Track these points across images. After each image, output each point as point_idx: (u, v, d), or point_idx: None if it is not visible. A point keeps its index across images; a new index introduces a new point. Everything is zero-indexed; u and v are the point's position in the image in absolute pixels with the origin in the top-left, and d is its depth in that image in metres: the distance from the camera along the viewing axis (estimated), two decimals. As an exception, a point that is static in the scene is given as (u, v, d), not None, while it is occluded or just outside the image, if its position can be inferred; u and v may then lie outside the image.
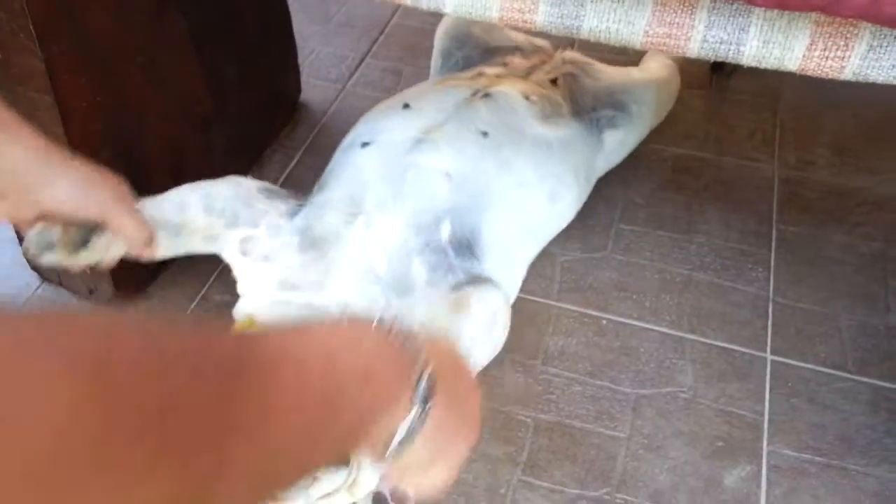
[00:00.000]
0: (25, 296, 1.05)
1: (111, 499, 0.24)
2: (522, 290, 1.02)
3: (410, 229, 0.84)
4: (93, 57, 0.86)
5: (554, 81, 1.08)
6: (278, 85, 1.25)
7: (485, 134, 0.93)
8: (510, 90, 1.01)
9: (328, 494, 0.77)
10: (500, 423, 0.89)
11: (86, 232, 0.70)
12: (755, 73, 0.76)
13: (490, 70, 1.08)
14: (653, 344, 0.96)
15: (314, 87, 1.33)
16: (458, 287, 0.82)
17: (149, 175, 0.97)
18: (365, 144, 0.92)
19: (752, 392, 0.91)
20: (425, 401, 0.41)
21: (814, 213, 1.13)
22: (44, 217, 0.67)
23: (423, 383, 0.41)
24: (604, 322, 0.99)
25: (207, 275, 1.05)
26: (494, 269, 0.88)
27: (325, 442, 0.36)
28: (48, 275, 1.06)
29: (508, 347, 0.95)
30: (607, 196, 1.14)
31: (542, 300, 1.02)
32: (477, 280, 0.84)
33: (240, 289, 0.87)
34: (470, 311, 0.79)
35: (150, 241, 0.72)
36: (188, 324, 0.32)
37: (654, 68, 1.19)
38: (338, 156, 0.96)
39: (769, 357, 0.95)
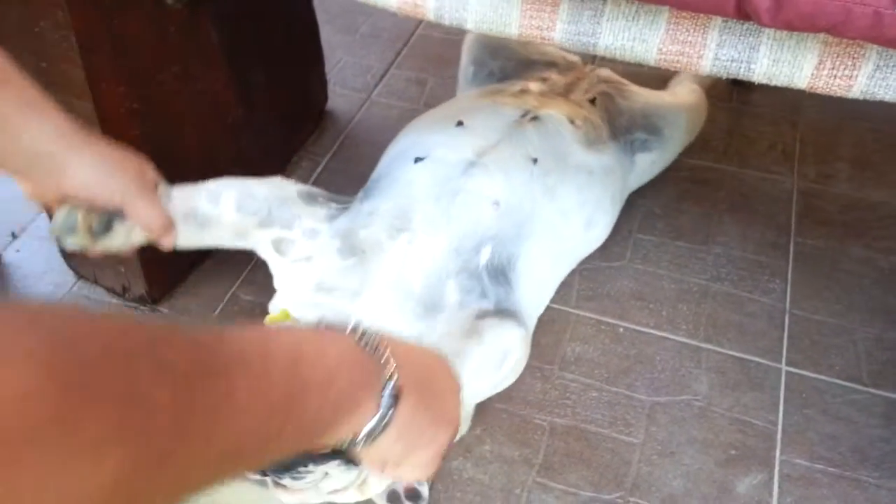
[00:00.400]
0: (61, 293, 1.10)
1: (61, 473, 0.25)
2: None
3: (451, 252, 0.86)
4: (130, 66, 0.90)
5: (592, 101, 1.10)
6: (305, 94, 1.29)
7: (534, 161, 0.94)
8: (556, 113, 1.02)
9: (338, 490, 0.79)
10: (517, 426, 0.91)
11: (108, 218, 0.70)
12: (776, 87, 0.77)
13: (533, 86, 1.10)
14: (669, 352, 0.98)
15: (340, 96, 1.37)
16: (482, 315, 0.83)
17: (182, 180, 1.01)
18: (419, 159, 0.93)
19: (766, 402, 0.93)
20: (391, 404, 0.44)
21: (832, 227, 1.14)
22: (65, 199, 0.67)
23: (389, 389, 0.44)
24: (621, 330, 1.01)
25: (236, 275, 1.08)
26: (524, 294, 0.90)
27: (282, 441, 0.38)
28: (84, 272, 1.10)
29: (525, 353, 0.98)
30: (627, 206, 1.15)
31: (560, 307, 1.04)
32: (502, 313, 0.85)
33: (276, 285, 0.90)
34: (482, 341, 0.80)
35: (167, 229, 0.72)
36: (163, 320, 0.34)
37: (684, 93, 1.21)
38: (386, 165, 0.98)
39: (784, 368, 0.96)
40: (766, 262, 1.09)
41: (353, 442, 0.44)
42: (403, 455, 0.48)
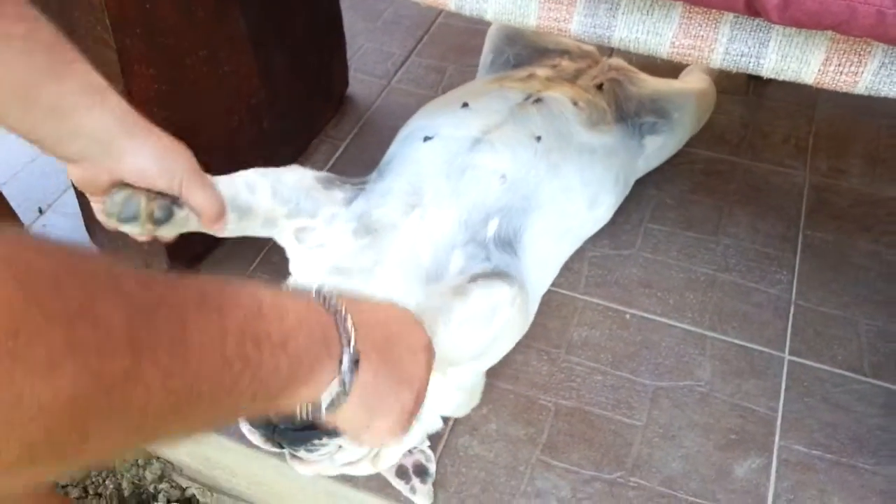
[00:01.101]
0: (87, 268, 1.14)
1: (17, 384, 0.26)
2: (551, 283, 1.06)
3: (461, 225, 0.89)
4: (160, 49, 0.93)
5: (600, 87, 1.12)
6: (327, 78, 1.32)
7: (538, 138, 0.98)
8: (560, 95, 1.05)
9: (352, 463, 0.82)
10: (523, 406, 0.94)
11: (169, 205, 0.70)
12: (791, 81, 0.79)
13: (541, 72, 1.13)
14: (674, 339, 1.00)
15: (361, 81, 1.40)
16: (475, 277, 0.85)
17: (206, 161, 1.04)
18: (427, 139, 0.97)
19: (768, 389, 0.95)
20: (351, 370, 0.45)
21: (842, 220, 1.15)
22: (116, 184, 0.67)
23: (349, 355, 0.45)
24: (627, 316, 1.03)
25: (253, 257, 1.12)
26: (528, 265, 0.93)
27: (239, 394, 0.38)
28: (109, 248, 1.14)
29: (534, 336, 1.00)
30: (639, 196, 1.18)
31: (568, 293, 1.06)
32: (497, 274, 0.87)
33: (292, 269, 0.93)
34: (468, 295, 0.82)
35: (221, 215, 0.73)
36: (130, 263, 0.35)
37: (693, 81, 1.23)
38: (397, 146, 1.01)
39: (787, 357, 0.98)
40: (774, 254, 1.11)
41: (315, 408, 0.45)
42: (368, 420, 0.49)
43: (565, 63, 1.16)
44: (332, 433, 0.74)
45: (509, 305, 0.85)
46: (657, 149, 1.14)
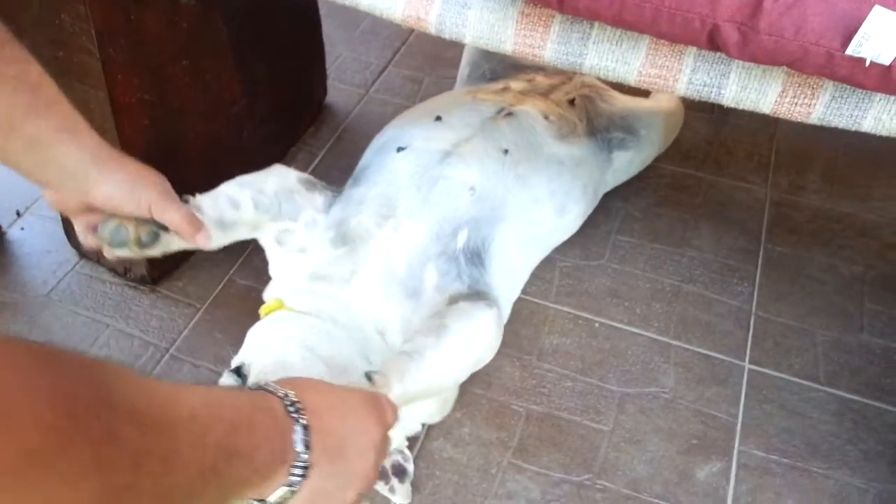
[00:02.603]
0: (64, 271, 1.15)
1: (50, 496, 0.32)
2: (523, 291, 1.10)
3: (432, 237, 0.92)
4: (144, 59, 0.95)
5: (572, 102, 1.16)
6: (306, 87, 1.34)
7: (506, 151, 1.01)
8: (531, 109, 1.09)
9: None
10: (495, 411, 0.97)
11: (155, 230, 0.78)
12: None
13: (515, 85, 1.16)
14: (640, 347, 1.05)
15: (339, 90, 1.42)
16: (455, 300, 0.88)
17: (187, 168, 1.06)
18: (400, 149, 1.00)
19: (729, 396, 0.99)
20: (302, 476, 0.50)
21: (801, 235, 1.21)
22: (89, 207, 0.74)
23: (300, 467, 0.50)
24: (596, 325, 1.07)
25: (233, 260, 1.14)
26: (497, 275, 0.96)
27: (201, 498, 0.44)
28: (87, 252, 1.15)
29: (507, 343, 1.04)
30: (607, 208, 1.22)
31: (540, 301, 1.10)
32: (474, 295, 0.90)
33: (272, 272, 0.95)
34: (451, 329, 0.83)
35: (196, 227, 0.78)
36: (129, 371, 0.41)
37: (663, 100, 1.27)
38: (371, 155, 1.04)
39: (747, 366, 1.03)
40: (737, 267, 1.16)
41: (298, 469, 0.50)
42: (344, 475, 0.54)
43: (540, 78, 1.20)
44: None
45: (491, 328, 0.87)
46: (625, 163, 1.18)
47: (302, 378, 0.58)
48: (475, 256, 0.94)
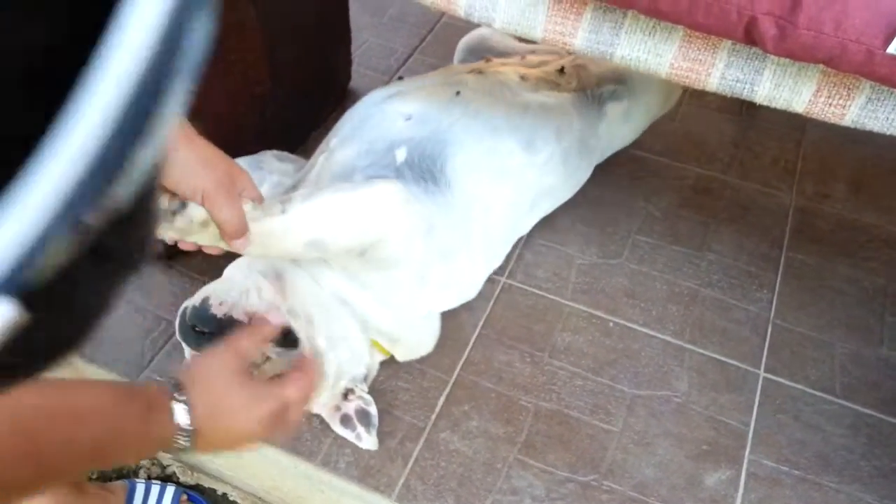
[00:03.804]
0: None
1: None
2: (537, 286, 1.09)
3: (360, 154, 0.96)
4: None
5: (561, 70, 1.15)
6: (331, 71, 1.33)
7: (458, 93, 1.03)
8: (507, 70, 1.11)
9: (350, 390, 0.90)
10: (504, 406, 0.96)
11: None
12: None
13: (498, 59, 1.17)
14: (654, 350, 1.03)
15: (363, 76, 1.41)
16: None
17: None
18: (351, 105, 1.06)
19: (742, 404, 0.98)
20: (185, 401, 0.62)
21: (824, 244, 1.18)
22: None
23: (179, 407, 0.62)
24: (611, 324, 1.06)
25: (249, 241, 1.13)
26: (462, 201, 0.96)
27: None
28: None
29: (519, 338, 1.03)
30: (628, 207, 1.20)
31: (555, 298, 1.09)
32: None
33: None
34: (353, 185, 0.86)
35: (240, 232, 0.72)
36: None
37: None
38: None
39: (762, 374, 1.01)
40: (757, 273, 1.14)
41: (183, 436, 0.62)
42: (226, 436, 0.66)
43: (531, 57, 1.20)
44: None
45: (392, 195, 0.84)
46: (620, 115, 1.15)
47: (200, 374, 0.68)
48: (425, 172, 0.95)
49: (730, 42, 0.64)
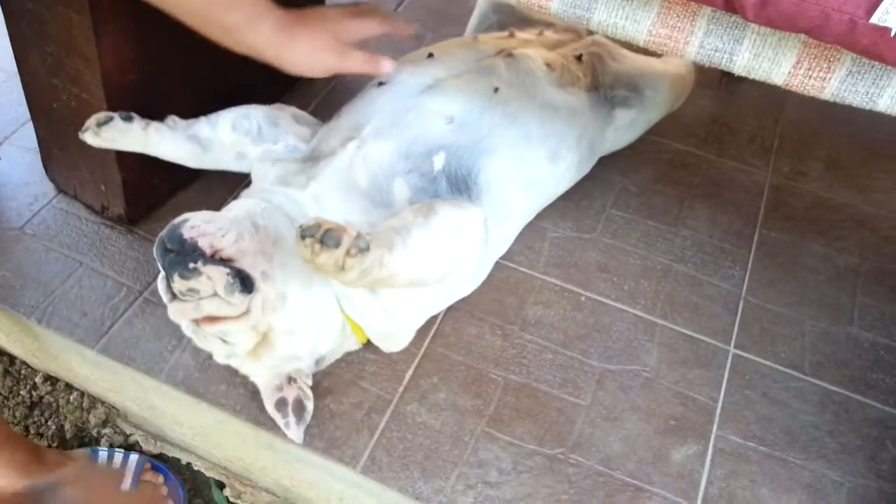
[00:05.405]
0: (41, 204, 1.11)
1: None
2: (510, 259, 1.07)
3: (400, 155, 0.92)
4: (135, 11, 0.90)
5: (579, 58, 1.13)
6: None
7: (496, 90, 0.99)
8: (533, 54, 1.07)
9: (229, 345, 0.85)
10: (473, 379, 0.95)
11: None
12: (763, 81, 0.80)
13: (521, 34, 1.14)
14: (625, 324, 1.02)
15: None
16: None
17: (173, 101, 1.02)
18: (381, 84, 0.99)
19: (711, 380, 0.98)
20: None
21: (797, 222, 1.18)
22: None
23: None
24: (582, 298, 1.05)
25: (214, 207, 1.10)
26: (488, 211, 0.94)
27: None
28: (65, 187, 1.11)
29: (490, 310, 1.02)
30: (604, 181, 1.19)
31: (527, 271, 1.07)
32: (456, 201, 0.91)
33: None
34: (436, 214, 0.84)
35: (374, 65, 0.91)
36: None
37: (674, 64, 1.24)
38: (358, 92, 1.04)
39: (732, 350, 1.01)
40: (730, 250, 1.13)
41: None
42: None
43: (548, 33, 1.17)
44: (210, 260, 0.77)
45: (478, 223, 0.88)
46: (627, 122, 1.15)
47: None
48: (460, 182, 0.93)
49: (709, 9, 0.62)
